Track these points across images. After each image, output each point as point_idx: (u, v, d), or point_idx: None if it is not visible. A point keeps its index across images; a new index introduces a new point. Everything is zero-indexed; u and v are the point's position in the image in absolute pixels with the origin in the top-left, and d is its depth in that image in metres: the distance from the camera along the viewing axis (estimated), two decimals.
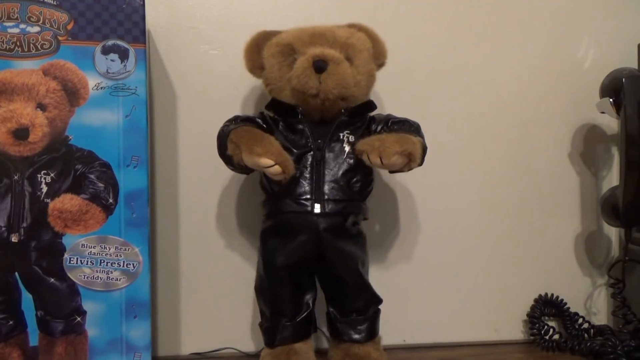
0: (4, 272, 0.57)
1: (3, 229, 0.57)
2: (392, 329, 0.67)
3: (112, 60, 0.58)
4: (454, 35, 0.76)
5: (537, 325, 0.73)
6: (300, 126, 0.59)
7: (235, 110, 0.71)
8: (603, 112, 0.72)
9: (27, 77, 0.57)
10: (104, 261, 0.58)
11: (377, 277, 0.71)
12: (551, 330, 0.73)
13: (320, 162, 0.58)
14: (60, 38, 0.57)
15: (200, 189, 0.70)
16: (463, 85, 0.76)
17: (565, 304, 0.76)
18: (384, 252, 0.75)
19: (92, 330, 0.59)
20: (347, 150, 0.59)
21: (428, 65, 0.75)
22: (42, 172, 0.57)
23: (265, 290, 0.60)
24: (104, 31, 0.58)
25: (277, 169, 0.54)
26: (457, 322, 0.76)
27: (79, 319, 0.58)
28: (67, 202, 0.57)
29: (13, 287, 0.57)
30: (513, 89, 0.77)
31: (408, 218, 0.75)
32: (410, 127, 0.60)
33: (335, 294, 0.62)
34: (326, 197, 0.57)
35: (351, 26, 0.63)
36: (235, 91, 0.71)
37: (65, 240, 0.58)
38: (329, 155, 0.58)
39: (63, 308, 0.58)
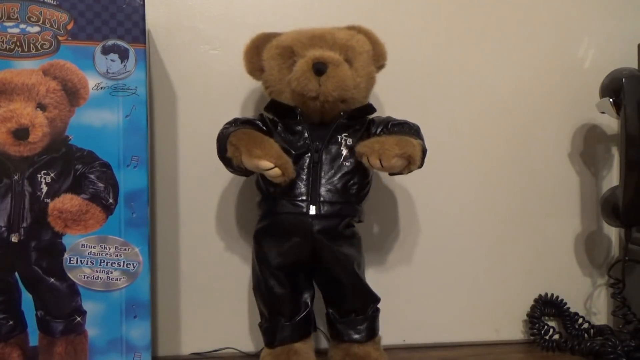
0: (4, 272, 0.57)
1: (3, 229, 0.57)
2: (392, 329, 0.67)
3: (112, 60, 0.58)
4: (454, 35, 0.76)
5: (537, 325, 0.73)
6: (299, 127, 0.59)
7: (235, 110, 0.71)
8: (603, 112, 0.72)
9: (27, 77, 0.57)
10: (104, 261, 0.58)
11: (378, 277, 0.71)
12: (551, 330, 0.73)
13: (317, 164, 0.58)
14: (60, 38, 0.57)
15: (200, 189, 0.70)
16: (463, 86, 0.76)
17: (565, 304, 0.76)
18: (384, 252, 0.74)
19: (92, 330, 0.59)
20: (344, 153, 0.59)
21: (428, 65, 0.75)
22: (42, 172, 0.57)
23: (263, 290, 0.60)
24: (104, 31, 0.58)
25: (276, 171, 0.54)
26: (457, 322, 0.76)
27: (79, 319, 0.58)
28: (67, 202, 0.57)
29: (13, 287, 0.57)
30: (513, 89, 0.77)
31: (408, 218, 0.75)
32: (410, 130, 0.60)
33: (333, 295, 0.62)
34: (322, 199, 0.57)
35: (351, 28, 0.63)
36: (235, 91, 0.71)
37: (65, 240, 0.58)
38: (326, 158, 0.58)
39: (63, 308, 0.58)
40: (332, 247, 0.58)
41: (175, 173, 0.70)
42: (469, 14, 0.76)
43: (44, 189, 0.57)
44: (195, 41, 0.70)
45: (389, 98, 0.73)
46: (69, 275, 0.58)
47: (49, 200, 0.57)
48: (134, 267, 0.59)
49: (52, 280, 0.58)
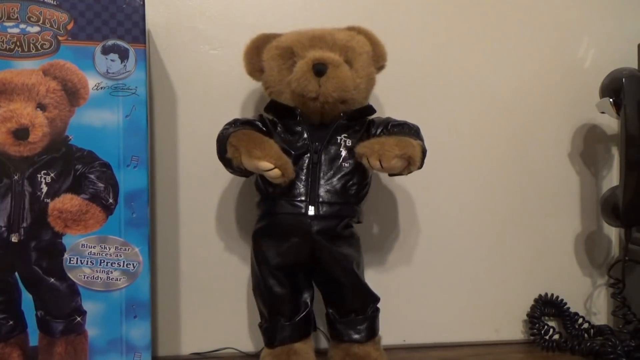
0: (4, 272, 0.57)
1: (3, 229, 0.57)
2: (392, 329, 0.67)
3: (112, 60, 0.58)
4: (454, 35, 0.76)
5: (537, 325, 0.73)
6: (299, 128, 0.59)
7: (235, 110, 0.71)
8: (603, 112, 0.72)
9: (27, 77, 0.57)
10: (104, 261, 0.58)
11: (378, 277, 0.71)
12: (551, 330, 0.73)
13: (316, 164, 0.58)
14: (60, 38, 0.57)
15: (200, 189, 0.70)
16: (463, 86, 0.76)
17: (565, 304, 0.76)
18: (384, 252, 0.74)
19: (92, 330, 0.59)
20: (343, 154, 0.59)
21: (428, 66, 0.75)
22: (42, 172, 0.57)
23: (263, 290, 0.60)
24: (104, 31, 0.58)
25: (276, 172, 0.54)
26: (457, 322, 0.76)
27: (79, 319, 0.58)
28: (67, 202, 0.57)
29: (13, 287, 0.57)
30: (513, 89, 0.77)
31: (408, 218, 0.75)
32: (409, 130, 0.60)
33: (333, 295, 0.62)
34: (321, 199, 0.57)
35: (351, 29, 0.63)
36: (235, 91, 0.71)
37: (65, 240, 0.58)
38: (325, 158, 0.58)
39: (63, 308, 0.58)
40: (330, 247, 0.58)
41: (175, 173, 0.70)
42: (468, 14, 0.76)
43: (44, 189, 0.57)
44: (195, 41, 0.70)
45: (389, 99, 0.73)
46: (69, 275, 0.58)
47: (49, 200, 0.57)
48: (134, 267, 0.59)
49: (52, 280, 0.58)
